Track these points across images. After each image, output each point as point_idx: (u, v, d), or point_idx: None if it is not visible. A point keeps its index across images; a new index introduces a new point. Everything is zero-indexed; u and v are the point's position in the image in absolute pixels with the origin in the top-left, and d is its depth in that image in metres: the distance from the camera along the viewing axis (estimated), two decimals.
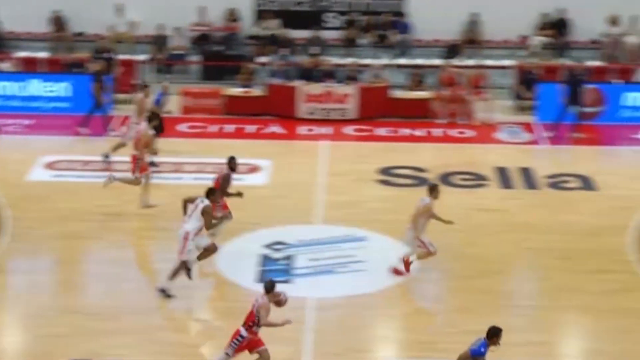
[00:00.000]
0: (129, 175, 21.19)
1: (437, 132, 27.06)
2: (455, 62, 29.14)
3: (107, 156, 23.83)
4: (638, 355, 16.18)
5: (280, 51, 29.88)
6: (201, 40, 31.08)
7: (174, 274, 17.60)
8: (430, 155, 24.90)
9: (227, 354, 15.01)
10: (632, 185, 23.33)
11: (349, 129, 27.04)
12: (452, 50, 30.41)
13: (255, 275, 18.77)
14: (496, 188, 23.19)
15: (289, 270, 19.01)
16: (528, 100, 28.59)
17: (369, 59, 30.07)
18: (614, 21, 30.32)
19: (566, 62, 29.53)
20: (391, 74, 29.48)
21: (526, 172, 24.13)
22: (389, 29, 30.92)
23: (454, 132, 27.19)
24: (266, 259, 19.44)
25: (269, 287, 14.91)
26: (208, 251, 18.15)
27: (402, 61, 30.25)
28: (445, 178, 23.67)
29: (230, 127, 27.42)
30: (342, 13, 31.33)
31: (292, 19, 31.16)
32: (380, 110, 27.83)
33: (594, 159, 25.61)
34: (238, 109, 28.17)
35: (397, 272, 18.73)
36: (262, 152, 25.21)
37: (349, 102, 27.82)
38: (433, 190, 18.58)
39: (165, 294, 17.66)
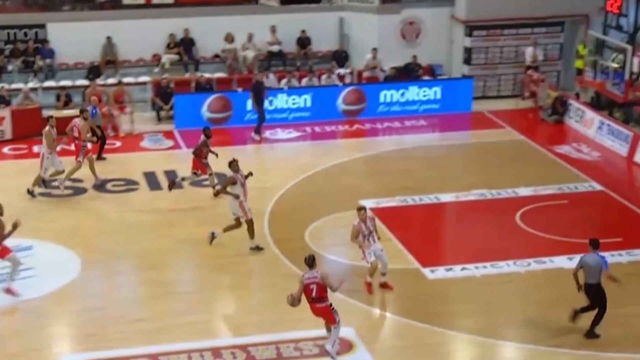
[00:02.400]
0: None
1: (87, 145, 26.27)
2: (99, 81, 28.57)
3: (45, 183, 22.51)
4: (283, 323, 16.50)
5: None
6: None
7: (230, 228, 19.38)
8: (85, 166, 24.14)
9: (338, 324, 15.03)
10: (262, 178, 23.75)
11: (6, 149, 25.84)
12: (93, 70, 29.81)
13: None
14: (146, 191, 22.93)
15: None
16: (166, 111, 28.53)
17: (19, 84, 28.86)
18: (230, 39, 30.83)
19: (194, 75, 29.77)
20: (41, 96, 28.45)
21: (171, 174, 23.99)
22: (34, 55, 29.77)
23: None
24: None
25: (311, 262, 15.04)
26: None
27: (50, 83, 29.25)
28: (100, 186, 23.15)
29: None
30: None
31: None
32: (34, 129, 26.63)
33: (228, 157, 25.75)
34: None
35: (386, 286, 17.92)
36: None
37: (4, 124, 26.57)
38: None
39: (258, 248, 19.29)
